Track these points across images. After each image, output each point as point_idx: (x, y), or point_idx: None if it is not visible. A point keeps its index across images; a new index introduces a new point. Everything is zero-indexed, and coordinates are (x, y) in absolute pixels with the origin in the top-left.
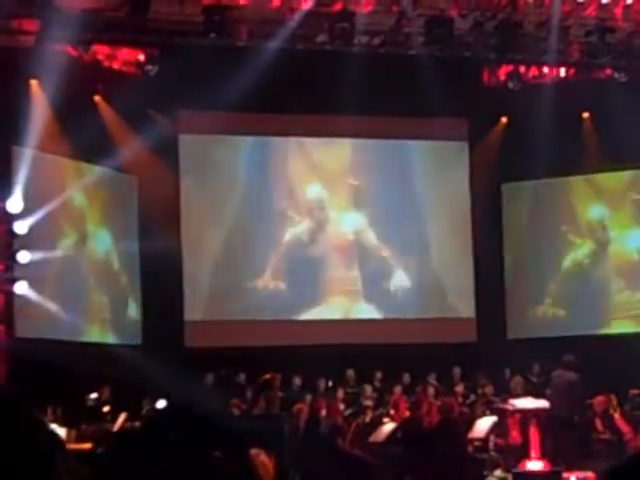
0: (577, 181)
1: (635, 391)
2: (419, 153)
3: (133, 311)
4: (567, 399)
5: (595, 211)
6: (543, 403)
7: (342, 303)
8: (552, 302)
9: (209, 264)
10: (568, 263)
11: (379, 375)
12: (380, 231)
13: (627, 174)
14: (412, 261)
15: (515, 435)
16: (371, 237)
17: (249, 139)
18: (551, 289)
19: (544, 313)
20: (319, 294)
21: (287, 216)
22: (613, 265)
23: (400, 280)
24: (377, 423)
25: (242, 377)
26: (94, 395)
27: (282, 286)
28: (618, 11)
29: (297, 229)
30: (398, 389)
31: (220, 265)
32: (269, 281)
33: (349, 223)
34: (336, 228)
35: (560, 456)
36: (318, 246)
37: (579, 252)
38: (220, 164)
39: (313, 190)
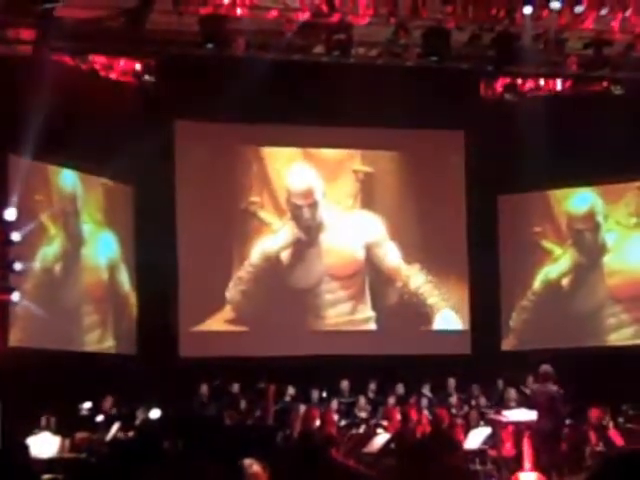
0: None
1: (628, 404)
2: (415, 164)
3: (128, 321)
4: (550, 413)
5: (580, 200)
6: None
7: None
8: (516, 341)
9: (204, 275)
10: (538, 285)
11: (373, 386)
12: (404, 245)
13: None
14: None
15: (509, 447)
16: (391, 254)
17: (246, 149)
18: (514, 325)
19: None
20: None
21: (257, 219)
22: (608, 285)
23: (446, 320)
24: (371, 434)
25: (236, 387)
26: (88, 405)
27: (242, 329)
28: (615, 24)
29: (273, 242)
30: (392, 400)
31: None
32: (221, 324)
33: (356, 231)
34: (334, 239)
35: (553, 469)
36: (307, 268)
37: (555, 267)
38: (217, 174)
39: (301, 176)
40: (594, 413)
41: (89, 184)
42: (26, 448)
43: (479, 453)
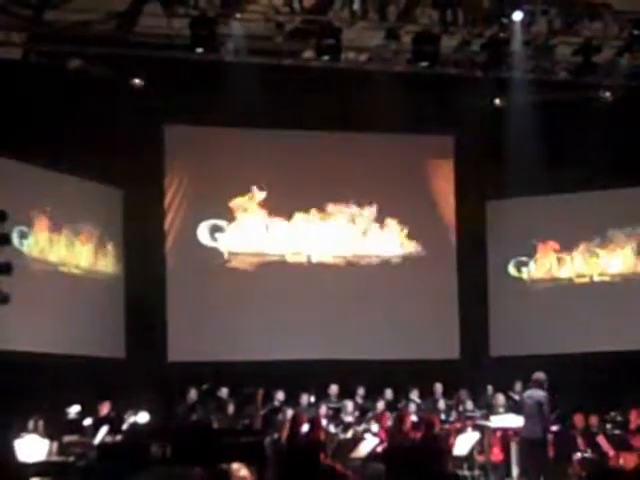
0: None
1: (617, 410)
2: (404, 169)
3: (116, 325)
4: (537, 419)
5: None
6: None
7: None
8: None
9: (193, 280)
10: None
11: (361, 391)
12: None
13: None
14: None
15: (496, 452)
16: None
17: (235, 153)
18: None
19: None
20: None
21: None
22: None
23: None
24: (359, 439)
25: (224, 392)
26: (76, 408)
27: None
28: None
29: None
30: (381, 405)
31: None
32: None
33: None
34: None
35: (540, 475)
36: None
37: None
38: (206, 178)
39: None
40: (578, 419)
41: (78, 187)
42: (13, 450)
43: (467, 459)
